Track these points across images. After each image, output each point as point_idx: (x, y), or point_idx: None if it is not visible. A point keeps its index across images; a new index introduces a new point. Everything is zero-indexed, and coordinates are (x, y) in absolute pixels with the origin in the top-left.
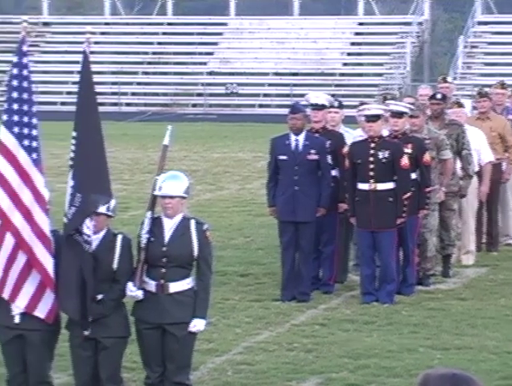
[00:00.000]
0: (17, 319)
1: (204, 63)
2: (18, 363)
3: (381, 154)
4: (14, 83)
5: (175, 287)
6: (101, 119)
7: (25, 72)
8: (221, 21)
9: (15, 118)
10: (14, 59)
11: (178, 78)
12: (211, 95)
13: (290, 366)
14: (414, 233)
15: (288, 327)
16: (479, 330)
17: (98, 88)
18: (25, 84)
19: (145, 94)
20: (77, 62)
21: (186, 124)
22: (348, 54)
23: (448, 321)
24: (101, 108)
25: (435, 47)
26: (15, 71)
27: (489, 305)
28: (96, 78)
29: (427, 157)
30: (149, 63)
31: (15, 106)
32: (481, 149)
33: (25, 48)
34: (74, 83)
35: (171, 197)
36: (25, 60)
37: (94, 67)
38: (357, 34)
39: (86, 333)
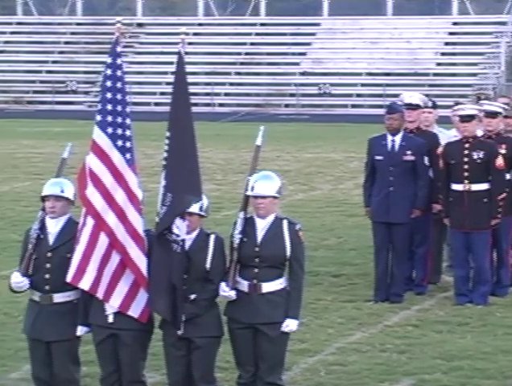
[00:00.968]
0: (111, 319)
1: (297, 64)
2: (112, 362)
3: (475, 155)
4: (108, 83)
5: (267, 287)
6: (194, 119)
7: (119, 73)
8: (314, 21)
9: (109, 119)
10: (108, 60)
11: (271, 78)
12: (303, 95)
13: (382, 367)
14: (509, 234)
15: (381, 328)
16: None
17: (191, 89)
18: (119, 84)
19: (238, 94)
20: (171, 63)
21: (278, 124)
22: (442, 54)
23: None
24: (195, 109)
25: None
26: (109, 71)
27: None
28: (189, 78)
29: None
30: (242, 63)
31: (109, 107)
32: None
33: (119, 49)
34: (168, 83)
35: (264, 197)
36: (119, 61)
37: (187, 68)
38: (450, 33)
39: (179, 333)
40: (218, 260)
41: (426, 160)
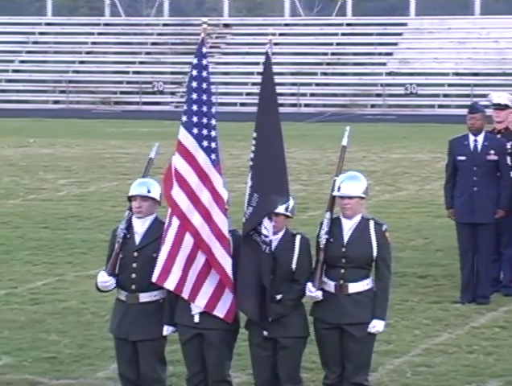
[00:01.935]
0: (196, 319)
1: (384, 64)
2: (198, 362)
3: None
4: (194, 84)
5: (354, 287)
6: (280, 120)
7: (204, 74)
8: (401, 21)
9: (194, 119)
10: (194, 60)
11: (357, 79)
12: (390, 95)
13: (469, 368)
14: None
15: (468, 329)
16: None
17: (277, 89)
18: (204, 85)
19: (324, 95)
20: (257, 63)
21: (364, 124)
22: None
23: None
24: (280, 109)
25: None
26: (195, 72)
27: None
28: (275, 79)
29: None
30: (328, 63)
31: (195, 107)
32: None
33: (204, 50)
34: (254, 84)
35: (350, 197)
36: (204, 62)
37: (273, 68)
38: None
39: (265, 333)
40: (304, 260)
41: (508, 160)
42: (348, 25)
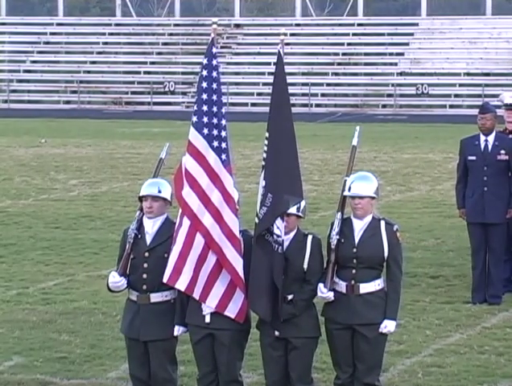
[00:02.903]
0: (207, 319)
1: (395, 64)
2: (209, 362)
3: None
4: (204, 85)
5: (365, 288)
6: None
7: (214, 74)
8: (412, 21)
9: (205, 120)
10: (204, 61)
11: (368, 79)
12: (401, 95)
13: (481, 369)
14: None
15: (479, 330)
16: None
17: (289, 89)
18: (214, 85)
19: (335, 95)
20: (268, 63)
21: (376, 124)
22: None
23: None
24: (292, 109)
25: None
26: (205, 72)
27: None
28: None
29: None
30: (339, 64)
31: (205, 108)
32: None
33: (214, 50)
34: (264, 84)
35: (361, 197)
36: (214, 62)
37: (285, 69)
38: None
39: (277, 333)
40: (315, 260)
41: None
42: (359, 25)
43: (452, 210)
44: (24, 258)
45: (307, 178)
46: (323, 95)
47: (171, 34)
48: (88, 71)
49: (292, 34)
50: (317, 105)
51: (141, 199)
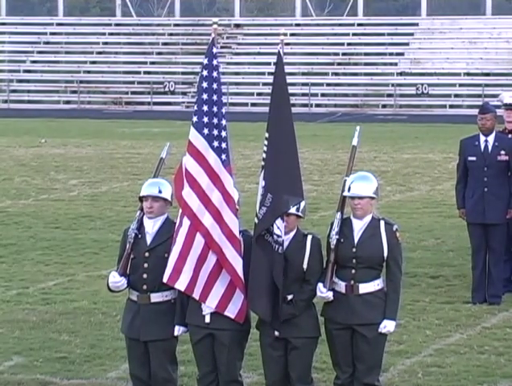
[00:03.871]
0: (207, 319)
1: (395, 64)
2: (209, 362)
3: None
4: (204, 85)
5: (364, 288)
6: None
7: (214, 74)
8: (412, 21)
9: (205, 120)
10: (204, 61)
11: (368, 79)
12: (401, 95)
13: (481, 369)
14: None
15: (479, 330)
16: None
17: (289, 89)
18: (214, 85)
19: (335, 95)
20: (268, 63)
21: (376, 125)
22: None
23: None
24: (292, 109)
25: None
26: (205, 72)
27: None
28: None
29: None
30: (339, 64)
31: (205, 108)
32: None
33: (215, 50)
34: (265, 84)
35: (361, 197)
36: (215, 62)
37: (285, 69)
38: None
39: (277, 333)
40: (315, 260)
41: None
42: (359, 25)
43: (452, 210)
44: (24, 258)
45: (306, 178)
46: (323, 95)
47: (171, 34)
48: (88, 71)
49: (292, 34)
50: (317, 105)
51: (141, 199)
